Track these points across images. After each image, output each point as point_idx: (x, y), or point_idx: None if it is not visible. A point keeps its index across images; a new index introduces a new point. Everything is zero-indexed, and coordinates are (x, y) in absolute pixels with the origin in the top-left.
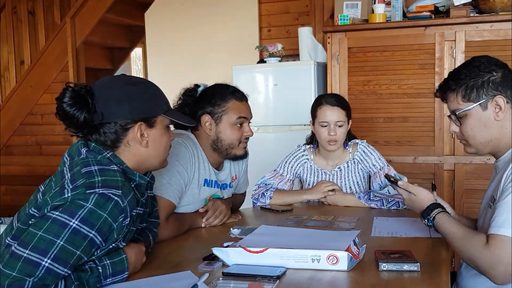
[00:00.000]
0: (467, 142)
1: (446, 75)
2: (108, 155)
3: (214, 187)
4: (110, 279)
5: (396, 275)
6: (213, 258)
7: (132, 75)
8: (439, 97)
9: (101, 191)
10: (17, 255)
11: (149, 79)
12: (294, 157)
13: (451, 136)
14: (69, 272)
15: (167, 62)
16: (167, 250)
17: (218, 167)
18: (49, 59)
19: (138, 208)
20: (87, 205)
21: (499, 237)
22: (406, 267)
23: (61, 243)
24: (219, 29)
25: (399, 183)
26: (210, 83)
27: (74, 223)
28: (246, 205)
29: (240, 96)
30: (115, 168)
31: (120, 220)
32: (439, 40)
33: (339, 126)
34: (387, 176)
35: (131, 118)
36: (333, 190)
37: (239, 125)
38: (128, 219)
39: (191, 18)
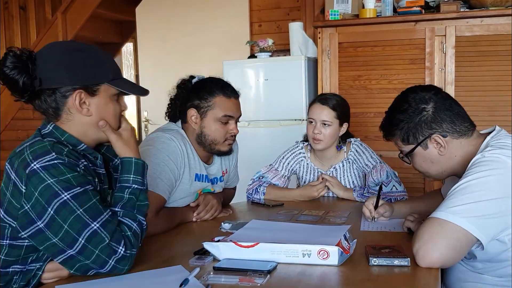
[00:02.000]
0: (424, 174)
1: (436, 71)
2: (51, 127)
3: (205, 181)
4: (140, 177)
5: (387, 270)
6: (204, 253)
7: (81, 42)
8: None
9: (37, 165)
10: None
11: (140, 74)
12: (292, 153)
13: None
14: (108, 210)
15: (158, 57)
16: (157, 245)
17: (208, 161)
18: None
19: (101, 169)
20: (49, 181)
21: (429, 219)
22: (396, 262)
23: (81, 210)
24: (209, 24)
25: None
26: (205, 76)
27: (65, 196)
28: (237, 200)
29: (229, 92)
30: (46, 140)
31: (79, 168)
32: (429, 35)
33: (325, 125)
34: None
35: (69, 85)
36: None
37: (224, 123)
38: (83, 160)
39: (182, 13)
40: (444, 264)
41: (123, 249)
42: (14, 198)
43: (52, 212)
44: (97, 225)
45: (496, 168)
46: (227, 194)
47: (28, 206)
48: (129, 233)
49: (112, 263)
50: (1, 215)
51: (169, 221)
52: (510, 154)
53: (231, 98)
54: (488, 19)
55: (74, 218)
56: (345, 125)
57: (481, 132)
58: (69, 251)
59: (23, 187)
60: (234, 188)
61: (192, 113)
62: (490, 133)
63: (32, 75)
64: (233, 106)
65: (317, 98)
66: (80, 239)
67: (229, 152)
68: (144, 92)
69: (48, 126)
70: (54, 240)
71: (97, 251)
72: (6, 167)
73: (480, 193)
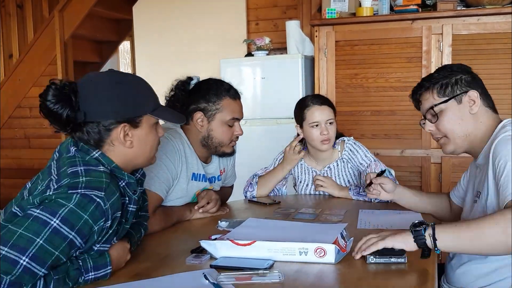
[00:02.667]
0: (445, 137)
1: (433, 69)
2: (97, 154)
3: (202, 180)
4: (93, 274)
5: (384, 267)
6: (201, 251)
7: (120, 70)
8: (412, 100)
9: (83, 192)
10: None
11: (137, 72)
12: None
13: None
14: (46, 272)
15: (155, 56)
16: (155, 243)
17: (206, 160)
18: (37, 52)
19: (131, 206)
20: (69, 204)
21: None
22: (393, 259)
23: (41, 242)
24: (207, 22)
25: None
26: (200, 76)
27: (55, 222)
28: (234, 198)
29: (234, 94)
30: (102, 169)
31: (101, 223)
32: (426, 34)
33: (330, 123)
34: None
35: (114, 119)
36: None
37: (230, 125)
38: (110, 222)
39: (179, 12)
40: None
41: None
42: (34, 197)
43: (30, 219)
44: (26, 263)
45: None
46: (224, 193)
47: (35, 204)
48: None
49: None
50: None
51: (165, 220)
52: None
53: (236, 100)
54: (485, 17)
55: (28, 237)
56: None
57: None
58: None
59: (51, 191)
60: (231, 187)
61: (198, 116)
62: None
63: (75, 107)
64: (239, 108)
65: (311, 102)
66: (22, 256)
67: (232, 154)
68: (181, 119)
69: (94, 152)
70: (3, 232)
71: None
72: (53, 165)
73: None
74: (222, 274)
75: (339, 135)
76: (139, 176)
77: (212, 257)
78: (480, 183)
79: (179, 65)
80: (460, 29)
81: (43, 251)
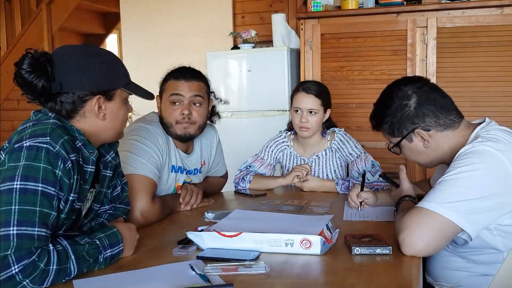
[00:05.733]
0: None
1: (418, 61)
2: (52, 116)
3: (179, 172)
4: (110, 251)
5: (369, 258)
6: (187, 242)
7: (94, 45)
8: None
9: (28, 144)
10: None
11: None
12: (275, 142)
13: None
14: (44, 230)
15: (141, 48)
16: (142, 234)
17: (187, 150)
18: (25, 45)
19: (89, 167)
20: (20, 164)
21: (416, 208)
22: (378, 250)
23: (17, 207)
24: (193, 15)
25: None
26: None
27: (17, 184)
28: (223, 189)
29: (177, 75)
30: (51, 121)
31: (61, 165)
32: (411, 27)
33: (312, 114)
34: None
35: (90, 90)
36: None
37: (173, 104)
38: (69, 163)
39: (165, 5)
40: (428, 254)
41: (17, 269)
42: None
43: None
44: (16, 231)
45: (486, 162)
46: (215, 183)
47: None
48: (41, 265)
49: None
50: None
51: (164, 210)
52: (500, 147)
53: (179, 80)
54: (469, 10)
55: (4, 210)
56: (328, 111)
57: (472, 122)
58: None
59: (2, 155)
60: (224, 177)
61: (157, 100)
62: (479, 124)
63: (51, 78)
64: (180, 86)
65: (301, 87)
66: None
67: (185, 138)
68: (151, 96)
69: (50, 114)
70: None
71: None
72: (5, 142)
73: (471, 187)
74: (208, 265)
75: (331, 126)
76: (110, 158)
77: (199, 248)
78: None
79: (166, 58)
80: (445, 22)
81: (24, 213)
